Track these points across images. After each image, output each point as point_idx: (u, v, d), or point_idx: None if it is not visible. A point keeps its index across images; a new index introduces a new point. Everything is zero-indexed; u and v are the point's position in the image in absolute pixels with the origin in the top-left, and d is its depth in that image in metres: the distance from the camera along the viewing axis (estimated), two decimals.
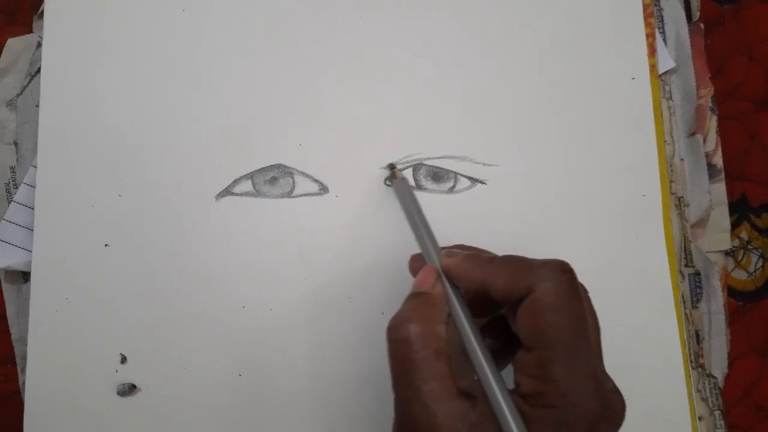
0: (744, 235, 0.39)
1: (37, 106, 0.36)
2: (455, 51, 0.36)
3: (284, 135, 0.36)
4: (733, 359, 0.37)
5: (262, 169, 0.35)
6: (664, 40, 0.38)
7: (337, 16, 0.36)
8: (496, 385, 0.24)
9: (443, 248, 0.29)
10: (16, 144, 0.37)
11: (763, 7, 0.40)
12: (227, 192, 0.35)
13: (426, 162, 0.36)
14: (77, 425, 0.34)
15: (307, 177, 0.35)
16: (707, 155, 0.38)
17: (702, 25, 0.39)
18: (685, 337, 0.36)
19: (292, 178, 0.36)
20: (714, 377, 0.37)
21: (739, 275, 0.39)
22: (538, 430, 0.23)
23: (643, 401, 0.35)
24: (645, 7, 0.37)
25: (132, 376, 0.35)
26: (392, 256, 0.35)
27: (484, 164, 0.36)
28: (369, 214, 0.35)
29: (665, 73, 0.38)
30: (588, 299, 0.26)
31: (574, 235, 0.36)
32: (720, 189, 0.38)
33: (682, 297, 0.37)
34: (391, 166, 0.35)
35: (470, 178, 0.36)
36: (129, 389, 0.34)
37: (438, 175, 0.36)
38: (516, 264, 0.25)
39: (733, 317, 0.38)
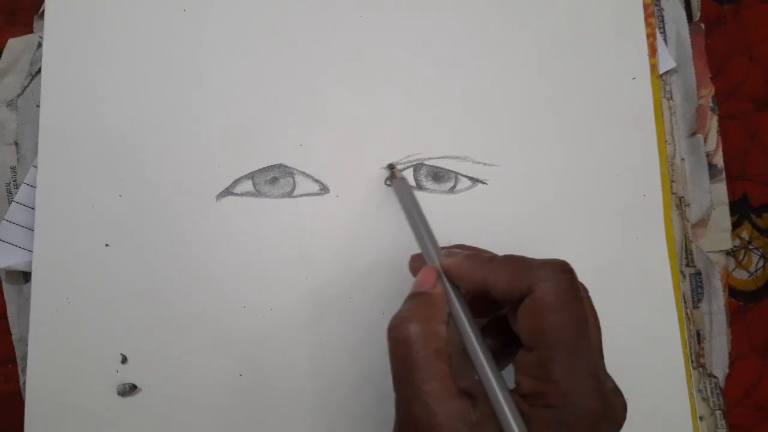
0: (745, 234, 0.39)
1: (38, 106, 0.36)
2: (455, 51, 0.36)
3: (285, 135, 0.36)
4: (733, 359, 0.37)
5: (263, 169, 0.35)
6: (665, 40, 0.38)
7: (337, 16, 0.36)
8: (497, 385, 0.24)
9: (443, 248, 0.29)
10: (16, 144, 0.37)
11: (764, 7, 0.40)
12: (228, 192, 0.35)
13: (426, 162, 0.36)
14: (78, 425, 0.34)
15: (308, 177, 0.35)
16: (708, 155, 0.38)
17: (702, 25, 0.39)
18: (686, 337, 0.36)
19: (293, 178, 0.36)
20: (715, 377, 0.37)
21: (740, 275, 0.39)
22: (539, 430, 0.23)
23: (644, 401, 0.35)
24: (645, 7, 0.37)
25: (132, 376, 0.35)
26: (393, 256, 0.35)
27: (484, 164, 0.36)
28: (369, 214, 0.35)
29: (666, 73, 0.38)
30: (588, 299, 0.26)
31: (574, 235, 0.36)
32: (721, 189, 0.38)
33: (683, 297, 0.37)
34: (391, 166, 0.35)
35: (471, 178, 0.36)
36: (129, 389, 0.34)
37: (438, 175, 0.36)
38: (516, 264, 0.25)
39: (733, 317, 0.38)
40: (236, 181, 0.35)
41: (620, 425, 0.24)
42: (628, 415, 0.24)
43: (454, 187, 0.36)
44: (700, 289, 0.37)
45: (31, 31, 0.38)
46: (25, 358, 0.35)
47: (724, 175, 0.38)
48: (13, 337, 0.36)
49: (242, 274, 0.35)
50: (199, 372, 0.35)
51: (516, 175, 0.36)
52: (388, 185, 0.35)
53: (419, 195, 0.35)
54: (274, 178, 0.35)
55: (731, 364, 0.37)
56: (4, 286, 0.37)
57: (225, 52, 0.36)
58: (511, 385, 0.24)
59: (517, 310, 0.24)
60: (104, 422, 0.34)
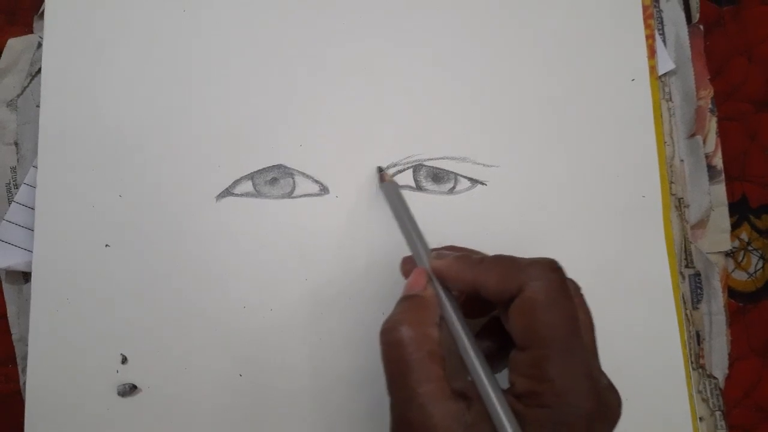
0: (744, 236, 0.39)
1: (38, 106, 0.36)
2: (455, 52, 0.37)
3: (285, 136, 0.36)
4: (733, 360, 0.37)
5: (263, 169, 0.35)
6: (664, 41, 0.38)
7: (337, 17, 0.36)
8: (490, 386, 0.24)
9: (434, 250, 0.29)
10: (16, 144, 0.37)
11: (763, 9, 0.40)
12: (228, 192, 0.35)
13: (426, 163, 0.36)
14: (78, 425, 0.34)
15: (308, 178, 0.36)
16: (707, 156, 0.38)
17: (701, 27, 0.39)
18: (686, 338, 0.36)
19: (293, 178, 0.36)
20: (715, 378, 0.37)
21: (740, 276, 0.39)
22: (534, 430, 0.23)
23: (644, 402, 0.35)
24: (645, 8, 0.37)
25: (132, 376, 0.35)
26: (392, 257, 0.35)
27: (484, 165, 0.36)
28: (369, 214, 0.35)
29: (665, 74, 0.38)
30: (581, 296, 0.26)
31: (574, 235, 0.36)
32: (720, 190, 0.38)
33: (683, 298, 0.37)
34: (380, 169, 0.35)
35: (470, 179, 0.36)
36: (129, 389, 0.34)
37: (438, 175, 0.36)
38: (506, 264, 0.25)
39: (733, 318, 0.38)
40: (236, 182, 0.35)
41: (615, 422, 0.24)
42: (627, 415, 0.24)
43: (454, 187, 0.36)
44: (699, 290, 0.38)
45: (31, 31, 0.38)
46: (25, 358, 0.35)
47: (723, 176, 0.38)
48: (13, 337, 0.36)
49: (242, 274, 0.35)
50: (199, 372, 0.35)
51: (516, 176, 0.36)
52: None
53: (419, 196, 0.35)
54: (273, 179, 0.35)
55: (731, 365, 0.37)
56: (4, 286, 0.37)
57: (225, 53, 0.36)
58: (505, 385, 0.24)
59: (508, 310, 0.24)
60: (104, 422, 0.34)
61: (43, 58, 0.36)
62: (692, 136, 0.38)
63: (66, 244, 0.35)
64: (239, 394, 0.34)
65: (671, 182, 0.37)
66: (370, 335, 0.34)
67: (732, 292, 0.39)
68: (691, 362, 0.36)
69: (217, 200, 0.35)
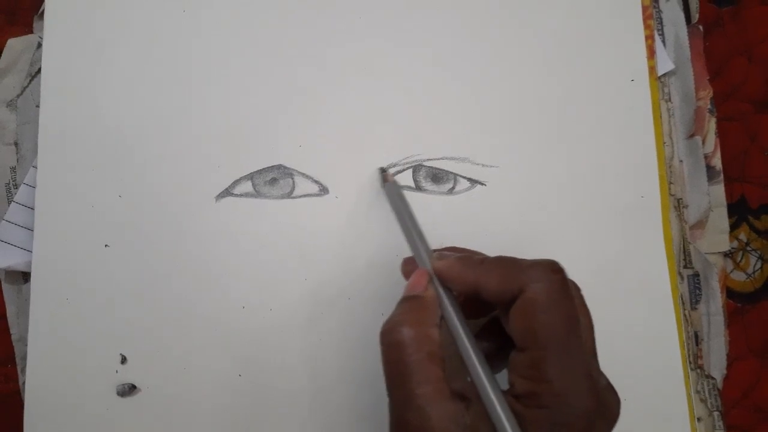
0: (743, 236, 0.39)
1: (38, 106, 0.36)
2: (455, 52, 0.37)
3: (284, 136, 0.36)
4: (731, 361, 0.38)
5: (262, 169, 0.36)
6: (663, 42, 0.38)
7: (337, 17, 0.36)
8: (490, 387, 0.24)
9: (435, 251, 0.29)
10: (16, 144, 0.37)
11: (762, 9, 0.40)
12: (227, 193, 0.35)
13: (426, 163, 0.36)
14: (77, 425, 0.34)
15: (307, 178, 0.36)
16: (706, 157, 0.38)
17: (701, 27, 0.39)
18: (684, 338, 0.36)
19: (292, 179, 0.36)
20: (713, 378, 0.37)
21: (738, 277, 0.39)
22: (533, 430, 0.23)
23: (643, 402, 0.35)
24: (644, 9, 0.37)
25: (132, 376, 0.35)
26: (392, 257, 0.35)
27: (483, 165, 0.36)
28: (369, 214, 0.35)
29: (664, 74, 0.38)
30: (580, 297, 0.26)
31: (573, 236, 0.36)
32: (719, 190, 0.38)
33: (681, 298, 0.37)
34: (383, 170, 0.35)
35: (470, 179, 0.36)
36: (129, 389, 0.34)
37: (438, 176, 0.36)
38: (507, 265, 0.25)
39: (731, 319, 0.38)
40: (236, 182, 0.35)
41: (614, 423, 0.24)
42: (625, 415, 0.24)
43: (453, 188, 0.36)
44: (698, 291, 0.38)
45: (31, 31, 0.38)
46: (24, 358, 0.35)
47: (722, 176, 0.38)
48: (13, 337, 0.36)
49: (242, 274, 0.35)
50: (199, 372, 0.35)
51: (515, 177, 0.36)
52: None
53: (418, 196, 0.35)
54: (273, 179, 0.36)
55: (729, 366, 0.37)
56: (4, 286, 0.37)
57: (224, 53, 0.36)
58: (505, 386, 0.25)
59: (509, 312, 0.24)
60: (104, 422, 0.34)
61: (43, 58, 0.36)
62: (691, 136, 0.38)
63: (66, 244, 0.35)
64: (239, 394, 0.35)
65: (670, 183, 0.37)
66: (369, 335, 0.34)
67: (730, 293, 0.39)
68: (690, 362, 0.36)
69: (216, 200, 0.35)
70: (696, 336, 0.37)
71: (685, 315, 0.37)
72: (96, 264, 0.35)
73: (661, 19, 0.38)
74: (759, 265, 0.39)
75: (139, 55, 0.36)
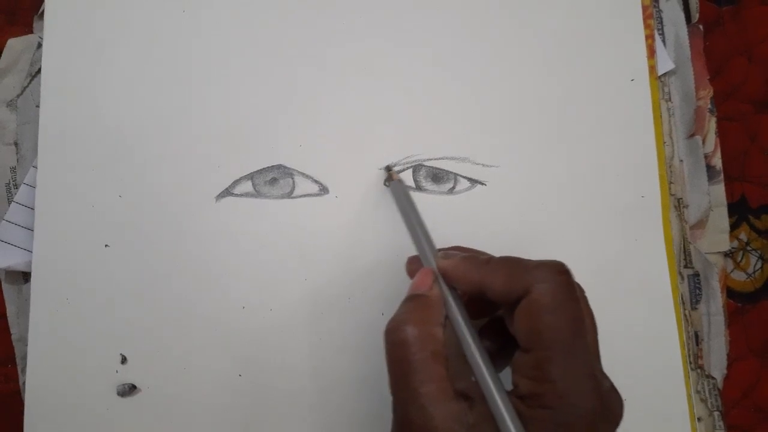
0: (743, 236, 0.39)
1: (38, 106, 0.36)
2: (455, 52, 0.37)
3: (284, 136, 0.36)
4: (732, 361, 0.37)
5: (263, 169, 0.36)
6: (664, 41, 0.38)
7: (338, 17, 0.36)
8: (494, 387, 0.24)
9: (440, 250, 0.29)
10: (16, 144, 0.37)
11: (762, 9, 0.40)
12: (227, 192, 0.35)
13: (426, 163, 0.36)
14: (77, 425, 0.34)
15: (307, 178, 0.36)
16: (706, 156, 0.38)
17: (701, 27, 0.39)
18: (685, 338, 0.36)
19: (292, 178, 0.36)
20: (713, 378, 0.37)
21: (738, 276, 0.39)
22: (537, 431, 0.23)
23: (643, 402, 0.35)
24: (644, 8, 0.37)
25: (132, 376, 0.35)
26: (392, 257, 0.35)
27: (483, 165, 0.36)
28: (369, 214, 0.35)
29: (664, 74, 0.38)
30: (585, 299, 0.26)
31: (573, 235, 0.36)
32: (719, 190, 0.38)
33: (682, 298, 0.37)
34: (388, 168, 0.35)
35: (470, 179, 0.36)
36: (129, 389, 0.34)
37: (438, 176, 0.36)
38: (513, 265, 0.25)
39: (732, 318, 0.38)
40: (236, 182, 0.35)
41: (617, 425, 0.24)
42: (626, 415, 0.24)
43: (454, 188, 0.36)
44: (698, 291, 0.38)
45: (31, 31, 0.38)
46: (24, 358, 0.35)
47: (722, 176, 0.38)
48: (13, 337, 0.36)
49: (242, 275, 0.35)
50: (199, 372, 0.35)
51: (515, 176, 0.36)
52: (387, 186, 0.35)
53: (418, 196, 0.35)
54: (273, 179, 0.36)
55: (729, 366, 0.37)
56: (4, 286, 0.37)
57: (224, 53, 0.36)
58: (509, 386, 0.25)
59: (513, 312, 0.24)
60: (104, 422, 0.34)
61: (43, 58, 0.36)
62: (691, 136, 0.38)
63: (66, 244, 0.35)
64: (239, 394, 0.35)
65: (670, 182, 0.37)
66: (369, 335, 0.35)
67: (731, 293, 0.39)
68: (690, 362, 0.36)
69: (216, 200, 0.35)
70: (696, 336, 0.37)
71: (685, 315, 0.37)
72: (96, 264, 0.35)
73: (661, 18, 0.38)
74: (759, 264, 0.39)
75: (139, 55, 0.36)
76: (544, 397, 0.23)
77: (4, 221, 0.36)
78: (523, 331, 0.24)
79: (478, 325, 0.28)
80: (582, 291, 0.26)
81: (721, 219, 0.38)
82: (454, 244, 0.30)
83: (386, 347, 0.25)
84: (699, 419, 0.36)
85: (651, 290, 0.36)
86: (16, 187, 0.37)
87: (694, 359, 0.37)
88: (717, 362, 0.37)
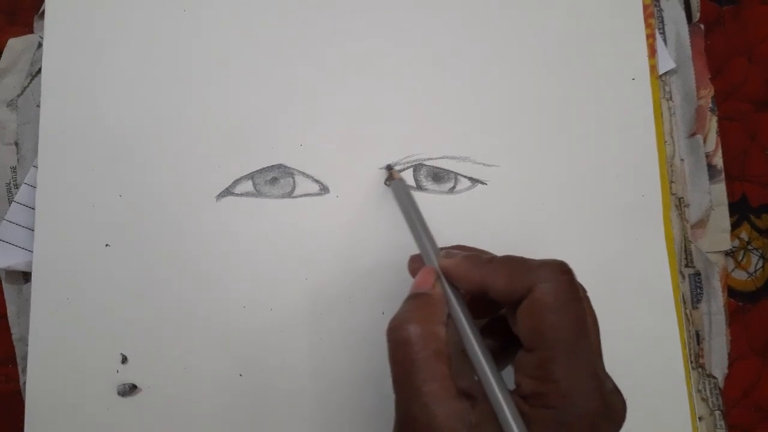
0: (744, 235, 0.39)
1: (38, 106, 0.36)
2: (456, 51, 0.37)
3: (285, 135, 0.36)
4: (732, 360, 0.37)
5: (263, 169, 0.36)
6: (665, 40, 0.38)
7: (338, 17, 0.36)
8: (497, 386, 0.24)
9: (442, 249, 0.29)
10: (16, 144, 0.37)
11: (763, 8, 0.40)
12: (228, 192, 0.35)
13: (426, 162, 0.36)
14: (78, 425, 0.34)
15: (308, 177, 0.36)
16: (707, 156, 0.38)
17: (702, 26, 0.39)
18: (686, 338, 0.36)
19: (293, 178, 0.36)
20: (714, 377, 0.37)
21: (740, 276, 0.39)
22: (539, 430, 0.23)
23: (644, 401, 0.35)
24: (645, 7, 0.37)
25: (133, 376, 0.35)
26: (393, 257, 0.35)
27: (484, 165, 0.36)
28: (370, 214, 0.35)
29: (665, 73, 0.38)
30: (587, 299, 0.26)
31: (574, 235, 0.36)
32: (720, 189, 0.38)
33: (683, 297, 0.37)
34: (389, 167, 0.35)
35: (471, 179, 0.36)
36: (130, 389, 0.34)
37: (438, 175, 0.36)
38: (515, 264, 0.25)
39: (733, 318, 0.38)
40: (236, 182, 0.35)
41: (620, 425, 0.24)
42: (627, 415, 0.24)
43: (454, 187, 0.36)
44: (699, 290, 0.38)
45: (31, 31, 0.38)
46: (25, 358, 0.35)
47: (723, 175, 0.38)
48: (13, 336, 0.36)
49: (242, 274, 0.35)
50: (199, 372, 0.35)
51: (516, 176, 0.36)
52: (388, 185, 0.35)
53: (419, 195, 0.35)
54: (274, 179, 0.35)
55: (730, 365, 0.37)
56: (4, 286, 0.37)
57: (225, 53, 0.36)
58: (511, 386, 0.25)
59: (516, 311, 0.24)
60: (104, 422, 0.34)
61: (43, 58, 0.36)
62: (692, 135, 0.38)
63: (66, 244, 0.35)
64: (239, 394, 0.34)
65: (671, 181, 0.37)
66: (370, 335, 0.35)
67: (732, 292, 0.39)
68: (691, 362, 0.36)
69: (217, 200, 0.35)
70: (697, 335, 0.37)
71: (686, 314, 0.37)
72: (96, 264, 0.35)
73: (662, 17, 0.38)
74: (760, 264, 0.39)
75: (139, 55, 0.36)
76: (547, 396, 0.23)
77: (4, 221, 0.36)
78: (525, 331, 0.24)
79: (481, 325, 0.28)
80: (584, 291, 0.26)
81: (722, 218, 0.38)
82: (455, 244, 0.30)
83: (389, 346, 0.25)
84: (700, 418, 0.36)
85: (652, 289, 0.36)
86: (17, 186, 0.37)
87: (695, 358, 0.37)
88: (718, 361, 0.37)
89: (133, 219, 0.35)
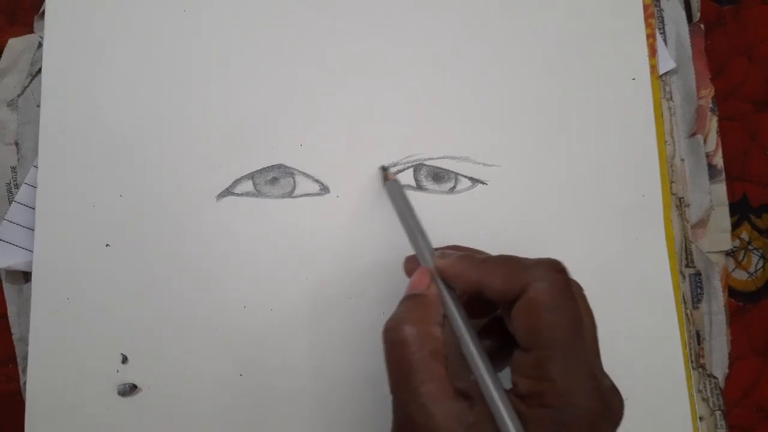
0: (744, 235, 0.39)
1: (38, 106, 0.36)
2: (456, 51, 0.37)
3: (285, 135, 0.36)
4: (733, 360, 0.37)
5: (263, 169, 0.36)
6: (665, 40, 0.38)
7: (337, 17, 0.36)
8: (493, 386, 0.24)
9: (437, 249, 0.29)
10: (17, 144, 0.37)
11: (763, 8, 0.40)
12: (228, 192, 0.35)
13: (426, 162, 0.36)
14: (78, 425, 0.34)
15: (308, 177, 0.36)
16: (708, 156, 0.38)
17: (702, 26, 0.39)
18: (686, 338, 0.36)
19: (293, 178, 0.36)
20: (715, 377, 0.37)
21: (740, 276, 0.39)
22: (536, 430, 0.23)
23: (644, 401, 0.35)
24: (645, 7, 0.37)
25: (133, 376, 0.35)
26: (393, 256, 0.35)
27: (484, 164, 0.36)
28: (370, 214, 0.35)
29: (666, 73, 0.38)
30: (583, 297, 0.26)
31: (574, 235, 0.36)
32: (720, 189, 0.38)
33: (683, 297, 0.37)
34: (384, 168, 0.35)
35: (471, 179, 0.36)
36: (130, 389, 0.34)
37: (438, 175, 0.36)
38: (510, 264, 0.25)
39: (733, 318, 0.38)
40: (236, 181, 0.35)
41: (618, 424, 0.24)
42: (627, 415, 0.24)
43: (454, 187, 0.36)
44: (699, 290, 0.38)
45: (31, 31, 0.38)
46: (25, 357, 0.35)
47: (723, 175, 0.38)
48: (14, 336, 0.36)
49: (242, 274, 0.35)
50: (199, 372, 0.35)
51: (516, 176, 0.36)
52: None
53: (419, 195, 0.35)
54: (274, 179, 0.35)
55: (731, 365, 0.37)
56: (5, 285, 0.37)
57: (225, 52, 0.36)
58: (508, 385, 0.24)
59: (511, 311, 0.24)
60: (104, 422, 0.34)
61: (43, 58, 0.36)
62: (693, 135, 0.38)
63: (66, 244, 0.35)
64: (239, 394, 0.34)
65: (672, 181, 0.37)
66: (370, 335, 0.34)
67: (732, 292, 0.39)
68: (691, 362, 0.36)
69: (217, 200, 0.35)
70: (698, 335, 0.37)
71: (686, 314, 0.37)
72: (97, 264, 0.35)
73: (662, 17, 0.38)
74: (761, 264, 0.39)
75: (139, 55, 0.36)
76: (544, 396, 0.23)
77: (4, 221, 0.36)
78: (521, 330, 0.24)
79: (477, 325, 0.28)
80: (580, 289, 0.26)
81: (722, 218, 0.38)
82: (454, 244, 0.30)
83: (385, 347, 0.25)
84: (701, 418, 0.36)
85: (652, 289, 0.36)
86: (17, 186, 0.37)
87: (696, 358, 0.37)
88: (718, 361, 0.37)
89: (133, 219, 0.35)
